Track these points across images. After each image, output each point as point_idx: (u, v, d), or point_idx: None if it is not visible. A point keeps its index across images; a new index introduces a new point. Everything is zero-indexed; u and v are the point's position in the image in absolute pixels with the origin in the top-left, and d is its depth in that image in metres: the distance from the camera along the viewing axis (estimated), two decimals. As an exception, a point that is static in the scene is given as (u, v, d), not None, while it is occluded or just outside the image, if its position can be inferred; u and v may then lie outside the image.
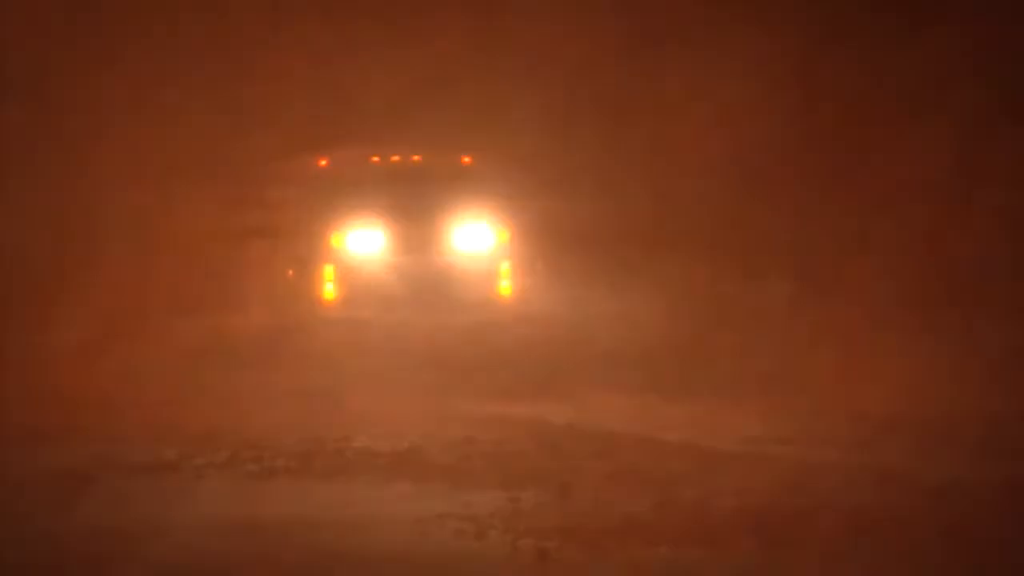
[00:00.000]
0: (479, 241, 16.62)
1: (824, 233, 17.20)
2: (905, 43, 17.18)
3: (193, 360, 14.93)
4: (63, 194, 16.29)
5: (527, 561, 8.60)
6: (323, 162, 16.79)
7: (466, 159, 16.88)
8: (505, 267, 16.58)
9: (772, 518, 9.30)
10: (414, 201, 16.48)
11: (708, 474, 10.52)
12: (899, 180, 16.81)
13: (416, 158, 16.93)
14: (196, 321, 15.86)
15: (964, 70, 16.79)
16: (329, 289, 16.22)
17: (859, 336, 14.97)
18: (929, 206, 16.44)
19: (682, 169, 17.74)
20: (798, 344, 15.09)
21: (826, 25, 17.64)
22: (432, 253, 16.45)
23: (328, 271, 16.24)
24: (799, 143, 17.67)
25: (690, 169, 17.69)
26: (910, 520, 9.24)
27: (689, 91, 17.58)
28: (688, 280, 17.11)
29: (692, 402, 13.68)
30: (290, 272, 16.66)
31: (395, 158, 16.86)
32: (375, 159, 16.87)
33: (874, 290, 15.80)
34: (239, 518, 9.60)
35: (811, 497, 9.87)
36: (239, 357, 15.09)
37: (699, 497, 9.85)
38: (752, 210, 17.64)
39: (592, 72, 18.25)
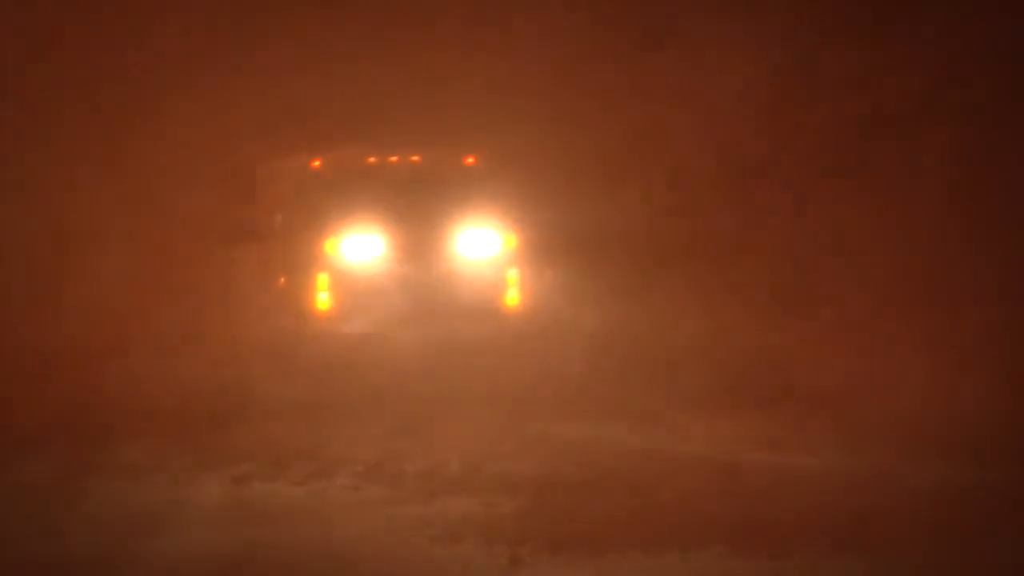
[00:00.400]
0: (484, 247, 15.50)
1: (829, 233, 16.85)
2: (905, 40, 17.13)
3: (176, 367, 14.34)
4: (48, 198, 16.12)
5: (501, 567, 8.62)
6: (316, 163, 15.79)
7: (469, 159, 15.87)
8: (513, 275, 15.51)
9: (746, 523, 9.33)
10: (414, 205, 15.45)
11: (682, 479, 10.51)
12: (901, 178, 16.71)
13: (415, 158, 15.88)
14: (181, 330, 15.20)
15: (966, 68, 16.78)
16: (323, 299, 15.25)
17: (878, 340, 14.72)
18: (930, 205, 16.30)
19: (697, 169, 17.37)
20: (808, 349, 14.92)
21: (826, 20, 17.45)
22: (434, 260, 15.36)
23: (322, 279, 15.25)
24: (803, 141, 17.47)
25: (705, 170, 17.34)
26: (889, 522, 9.30)
27: (697, 88, 17.28)
28: (707, 288, 16.47)
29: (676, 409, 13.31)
30: (282, 280, 15.71)
31: (393, 158, 15.86)
32: (372, 160, 15.85)
33: (885, 290, 15.65)
34: (214, 523, 9.63)
35: (785, 503, 9.89)
36: (227, 369, 14.33)
37: (672, 502, 9.88)
38: (765, 212, 17.25)
39: (596, 68, 17.78)
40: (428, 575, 8.71)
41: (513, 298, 15.42)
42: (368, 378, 13.87)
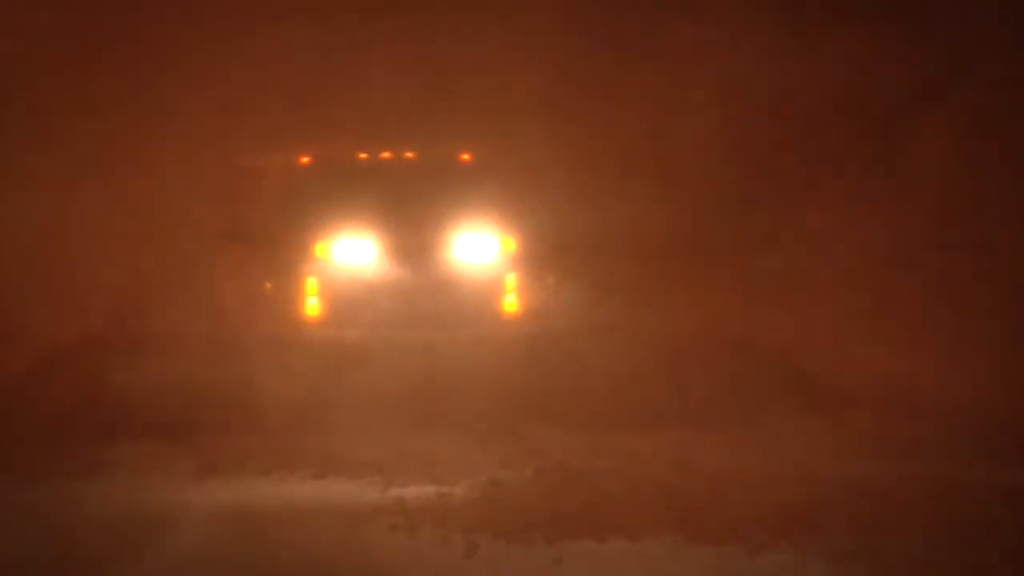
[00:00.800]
0: (482, 251, 14.75)
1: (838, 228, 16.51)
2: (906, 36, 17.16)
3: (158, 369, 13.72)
4: (41, 198, 15.73)
5: (458, 554, 8.90)
6: (304, 159, 15.01)
7: (465, 156, 15.13)
8: (511, 280, 14.77)
9: (697, 512, 9.66)
10: (408, 204, 14.68)
11: (634, 470, 10.79)
12: (905, 175, 16.59)
13: (409, 155, 15.14)
14: (161, 335, 14.51)
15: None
16: (312, 304, 14.49)
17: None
18: (934, 202, 16.20)
19: (700, 169, 16.75)
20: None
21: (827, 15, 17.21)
22: (429, 264, 14.53)
23: (311, 283, 14.46)
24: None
25: (708, 169, 16.74)
26: (824, 513, 9.62)
27: (699, 86, 16.72)
28: (711, 289, 15.96)
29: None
30: (268, 284, 14.83)
31: (385, 155, 15.10)
32: (363, 156, 15.08)
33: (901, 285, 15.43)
34: (176, 513, 9.84)
35: (735, 490, 10.19)
36: (217, 370, 13.65)
37: (624, 492, 10.15)
38: (773, 211, 16.86)
39: (597, 65, 17.11)
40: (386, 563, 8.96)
41: (511, 304, 14.71)
42: (358, 381, 13.44)
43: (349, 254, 14.46)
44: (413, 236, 14.51)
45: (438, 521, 9.60)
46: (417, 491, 10.38)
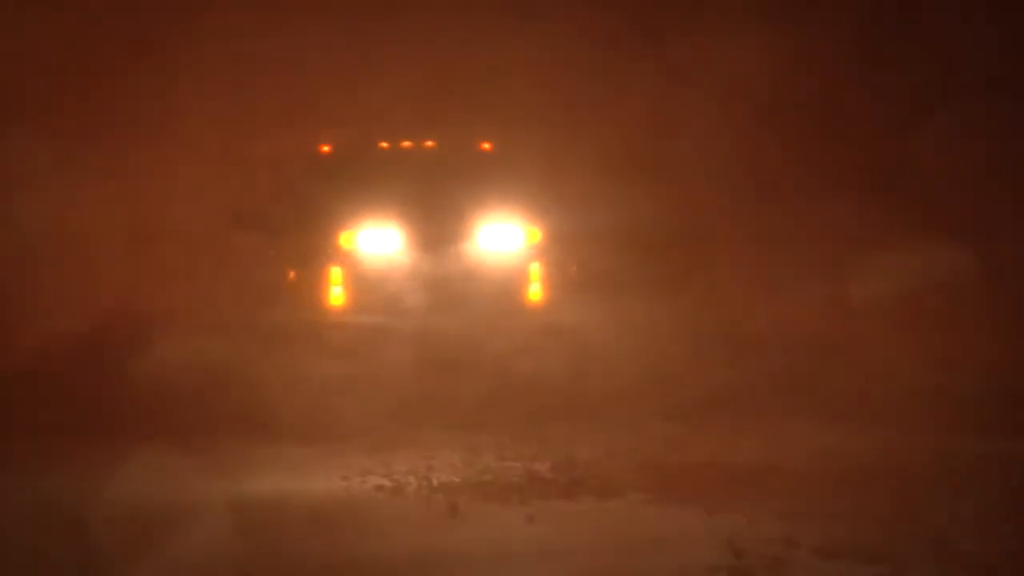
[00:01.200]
0: (505, 241, 14.40)
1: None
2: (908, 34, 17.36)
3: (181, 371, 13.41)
4: (56, 184, 15.69)
5: (439, 513, 9.67)
6: (324, 148, 14.76)
7: (485, 145, 14.86)
8: (535, 271, 14.49)
9: (663, 472, 10.52)
10: (434, 194, 14.39)
11: (605, 437, 11.62)
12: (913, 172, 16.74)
13: (430, 144, 14.91)
14: (182, 330, 14.18)
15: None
16: (336, 294, 14.21)
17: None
18: (942, 197, 16.37)
19: (727, 158, 16.80)
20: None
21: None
22: (453, 254, 14.24)
23: (335, 272, 14.19)
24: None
25: (735, 159, 16.82)
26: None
27: (722, 75, 16.64)
28: (739, 279, 15.93)
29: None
30: (291, 274, 14.61)
31: (406, 144, 14.89)
32: (383, 145, 14.84)
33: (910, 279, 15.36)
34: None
35: (696, 453, 11.08)
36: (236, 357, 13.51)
37: (594, 457, 11.04)
38: (800, 200, 16.92)
39: (623, 51, 17.02)
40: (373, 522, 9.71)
41: (534, 294, 14.42)
42: (380, 370, 13.36)
43: (374, 244, 14.25)
44: (438, 226, 14.30)
45: (421, 483, 10.43)
46: (402, 455, 11.25)
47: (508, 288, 14.23)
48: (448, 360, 13.48)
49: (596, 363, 13.55)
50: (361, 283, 14.05)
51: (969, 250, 15.63)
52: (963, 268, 15.51)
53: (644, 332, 14.32)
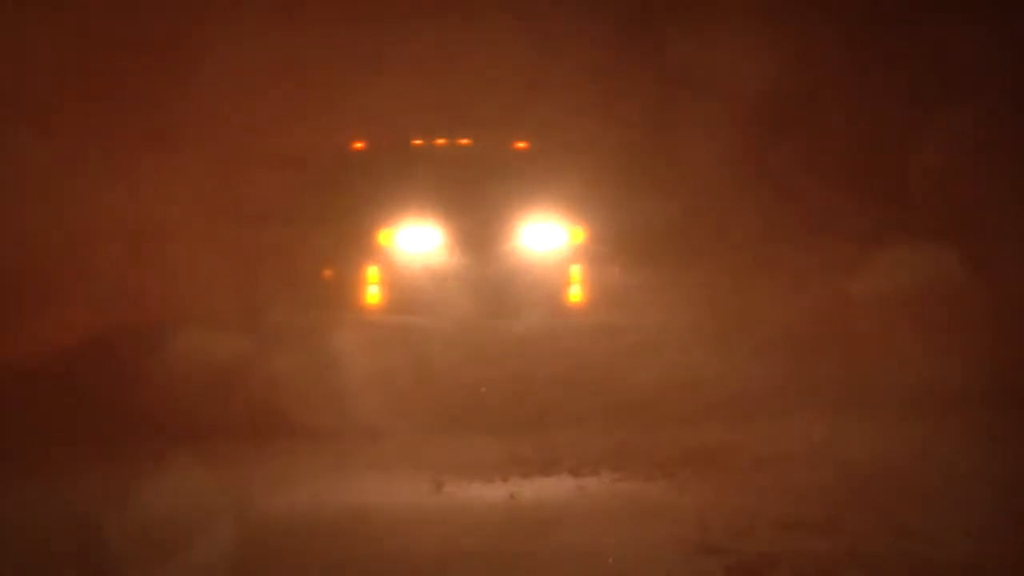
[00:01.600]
0: (546, 241, 14.27)
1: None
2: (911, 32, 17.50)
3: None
4: (70, 171, 15.61)
5: (426, 490, 10.25)
6: (357, 144, 14.58)
7: (520, 144, 14.68)
8: (576, 271, 14.37)
9: (631, 453, 11.14)
10: (475, 193, 14.22)
11: (581, 422, 12.20)
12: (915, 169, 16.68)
13: (464, 142, 14.74)
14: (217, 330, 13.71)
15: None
16: (373, 293, 14.05)
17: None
18: (949, 195, 16.45)
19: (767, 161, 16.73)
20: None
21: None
22: (493, 253, 14.09)
23: (372, 272, 14.06)
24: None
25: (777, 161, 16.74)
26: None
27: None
28: (782, 280, 15.44)
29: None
30: (327, 273, 14.44)
31: (440, 141, 14.70)
32: (417, 142, 14.67)
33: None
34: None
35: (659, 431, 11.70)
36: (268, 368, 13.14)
37: (569, 440, 11.66)
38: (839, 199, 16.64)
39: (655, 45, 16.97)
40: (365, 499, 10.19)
41: (575, 296, 14.25)
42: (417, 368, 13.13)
43: (412, 242, 14.11)
44: (478, 225, 14.14)
45: (410, 463, 11.03)
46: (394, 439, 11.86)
47: (548, 288, 14.12)
48: (489, 358, 13.27)
49: (633, 360, 13.36)
50: (400, 281, 13.93)
51: (969, 250, 15.70)
52: (963, 268, 15.54)
53: (669, 333, 13.99)
